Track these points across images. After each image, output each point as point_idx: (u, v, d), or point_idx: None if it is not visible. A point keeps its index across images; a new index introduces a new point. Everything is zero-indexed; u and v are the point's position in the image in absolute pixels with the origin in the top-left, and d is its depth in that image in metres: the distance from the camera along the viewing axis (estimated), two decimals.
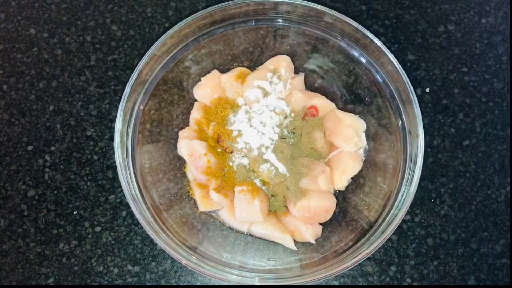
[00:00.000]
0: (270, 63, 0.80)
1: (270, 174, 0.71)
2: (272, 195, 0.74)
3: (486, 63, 0.88)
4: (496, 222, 0.78)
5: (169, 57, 0.75)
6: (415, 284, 0.75)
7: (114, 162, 0.75)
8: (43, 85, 0.86)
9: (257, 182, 0.74)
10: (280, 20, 0.78)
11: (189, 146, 0.73)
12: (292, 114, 0.77)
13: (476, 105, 0.85)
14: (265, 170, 0.71)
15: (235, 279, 0.63)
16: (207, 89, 0.78)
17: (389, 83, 0.73)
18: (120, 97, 0.69)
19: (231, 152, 0.75)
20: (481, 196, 0.80)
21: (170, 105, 0.78)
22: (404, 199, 0.65)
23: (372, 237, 0.65)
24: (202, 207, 0.73)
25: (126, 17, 0.90)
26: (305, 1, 0.73)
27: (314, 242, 0.71)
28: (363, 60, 0.76)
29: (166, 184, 0.74)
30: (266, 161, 0.72)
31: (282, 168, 0.71)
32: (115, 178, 0.80)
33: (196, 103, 0.79)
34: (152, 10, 0.91)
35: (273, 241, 0.72)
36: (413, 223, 0.78)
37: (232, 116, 0.75)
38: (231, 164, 0.74)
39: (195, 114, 0.77)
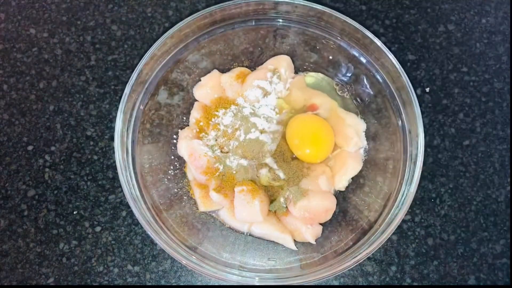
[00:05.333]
0: (270, 63, 0.80)
1: (269, 179, 0.72)
2: (272, 199, 0.74)
3: (486, 63, 0.88)
4: (496, 222, 0.78)
5: (169, 57, 0.75)
6: (415, 284, 0.75)
7: (114, 162, 0.75)
8: (43, 85, 0.86)
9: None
10: (280, 20, 0.78)
11: (189, 146, 0.74)
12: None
13: (476, 105, 0.85)
14: (264, 175, 0.72)
15: (235, 279, 0.63)
16: (207, 89, 0.78)
17: (389, 83, 0.73)
18: (120, 97, 0.69)
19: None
20: (481, 196, 0.80)
21: (170, 105, 0.78)
22: (404, 199, 0.65)
23: (372, 237, 0.65)
24: (202, 207, 0.73)
25: (126, 17, 0.90)
26: (305, 1, 0.73)
27: (314, 242, 0.71)
28: (363, 60, 0.76)
29: (166, 184, 0.74)
30: (265, 165, 0.72)
31: (282, 174, 0.72)
32: (115, 178, 0.80)
33: (196, 103, 0.79)
34: (152, 10, 0.91)
35: (273, 241, 0.72)
36: (413, 223, 0.78)
37: (232, 116, 0.75)
38: (230, 164, 0.74)
39: (195, 114, 0.77)
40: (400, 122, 0.72)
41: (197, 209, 0.74)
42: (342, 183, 0.74)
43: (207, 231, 0.73)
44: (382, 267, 0.76)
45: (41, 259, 0.76)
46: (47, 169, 0.81)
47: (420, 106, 0.70)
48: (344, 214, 0.74)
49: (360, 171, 0.75)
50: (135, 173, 0.69)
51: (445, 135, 0.83)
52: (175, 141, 0.77)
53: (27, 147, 0.82)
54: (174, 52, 0.75)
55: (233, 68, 0.82)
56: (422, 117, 0.68)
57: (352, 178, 0.75)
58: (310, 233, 0.70)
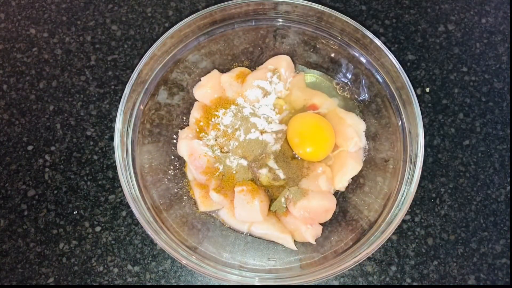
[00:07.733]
0: (270, 63, 0.80)
1: (269, 179, 0.72)
2: (272, 199, 0.74)
3: (486, 63, 0.88)
4: (496, 222, 0.78)
5: (169, 57, 0.75)
6: (415, 284, 0.75)
7: (114, 162, 0.75)
8: (43, 85, 0.86)
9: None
10: (280, 20, 0.78)
11: (189, 146, 0.74)
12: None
13: (476, 105, 0.85)
14: (264, 175, 0.72)
15: (235, 279, 0.63)
16: (207, 89, 0.78)
17: (389, 83, 0.73)
18: (120, 97, 0.69)
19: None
20: (481, 196, 0.80)
21: (170, 105, 0.78)
22: (404, 199, 0.65)
23: (372, 237, 0.65)
24: (202, 207, 0.73)
25: (126, 17, 0.90)
26: (305, 1, 0.73)
27: (314, 242, 0.71)
28: (363, 60, 0.76)
29: (166, 184, 0.74)
30: (265, 165, 0.72)
31: (282, 174, 0.72)
32: (115, 178, 0.80)
33: (196, 103, 0.79)
34: (152, 10, 0.91)
35: (273, 241, 0.72)
36: (413, 223, 0.78)
37: (232, 116, 0.75)
38: (230, 164, 0.74)
39: (195, 114, 0.77)
40: (400, 122, 0.72)
41: (197, 209, 0.74)
42: (342, 183, 0.74)
43: (207, 231, 0.73)
44: (382, 267, 0.76)
45: (41, 259, 0.76)
46: (47, 169, 0.81)
47: (420, 106, 0.70)
48: (344, 214, 0.74)
49: (360, 171, 0.75)
50: (135, 173, 0.69)
51: (445, 135, 0.83)
52: (175, 141, 0.77)
53: (27, 147, 0.82)
54: (174, 52, 0.75)
55: (233, 68, 0.82)
56: (422, 117, 0.68)
57: (352, 178, 0.75)
58: (310, 233, 0.70)
